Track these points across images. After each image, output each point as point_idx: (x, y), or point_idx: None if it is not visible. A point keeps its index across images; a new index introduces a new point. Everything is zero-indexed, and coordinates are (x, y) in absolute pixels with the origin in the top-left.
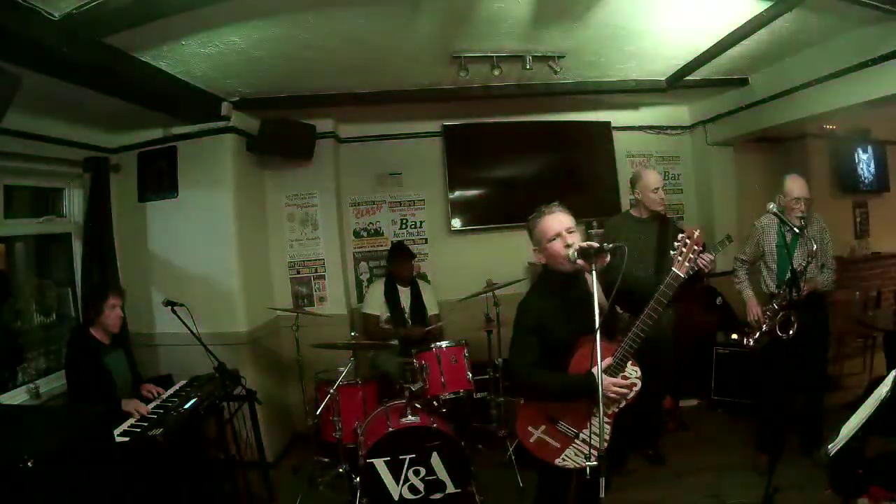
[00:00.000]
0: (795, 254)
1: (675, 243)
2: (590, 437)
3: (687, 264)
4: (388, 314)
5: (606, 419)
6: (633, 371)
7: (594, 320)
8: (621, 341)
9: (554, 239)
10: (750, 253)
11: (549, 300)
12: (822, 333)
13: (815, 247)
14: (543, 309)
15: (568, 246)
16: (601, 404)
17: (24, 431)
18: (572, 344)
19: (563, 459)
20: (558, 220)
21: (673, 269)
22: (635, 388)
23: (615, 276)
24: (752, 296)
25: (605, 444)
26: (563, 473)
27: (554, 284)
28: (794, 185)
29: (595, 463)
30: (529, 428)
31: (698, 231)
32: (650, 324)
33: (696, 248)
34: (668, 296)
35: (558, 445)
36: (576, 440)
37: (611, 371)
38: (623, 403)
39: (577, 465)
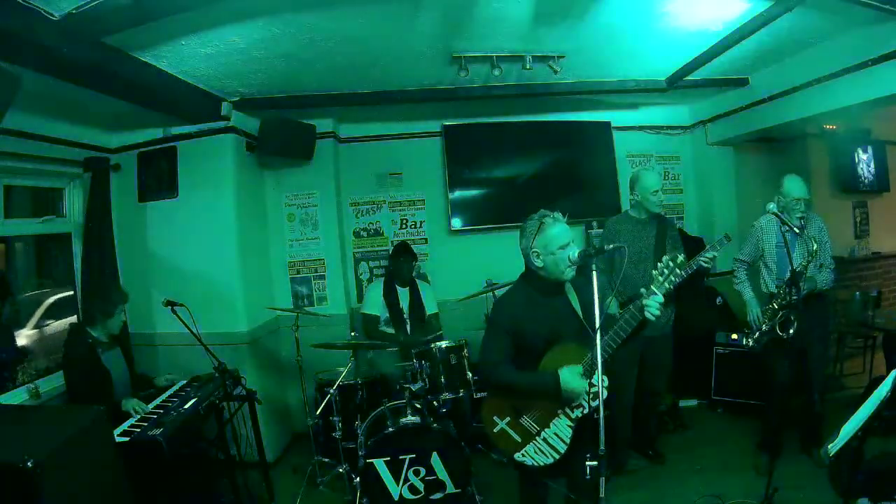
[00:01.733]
0: (795, 254)
1: (659, 264)
2: (560, 433)
3: (666, 285)
4: (387, 315)
5: (569, 423)
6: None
7: (572, 330)
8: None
9: (565, 247)
10: (749, 253)
11: (528, 303)
12: (823, 333)
13: (814, 246)
14: (521, 311)
15: (571, 263)
16: (601, 404)
17: (24, 431)
18: (544, 349)
19: (523, 455)
20: (567, 233)
21: (651, 287)
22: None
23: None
24: (752, 296)
25: (565, 449)
26: (540, 477)
27: (538, 289)
28: (794, 186)
29: (595, 462)
30: (494, 418)
31: (682, 256)
32: (623, 337)
33: (678, 271)
34: (633, 325)
35: (519, 440)
36: (537, 437)
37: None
38: (587, 409)
39: (536, 464)
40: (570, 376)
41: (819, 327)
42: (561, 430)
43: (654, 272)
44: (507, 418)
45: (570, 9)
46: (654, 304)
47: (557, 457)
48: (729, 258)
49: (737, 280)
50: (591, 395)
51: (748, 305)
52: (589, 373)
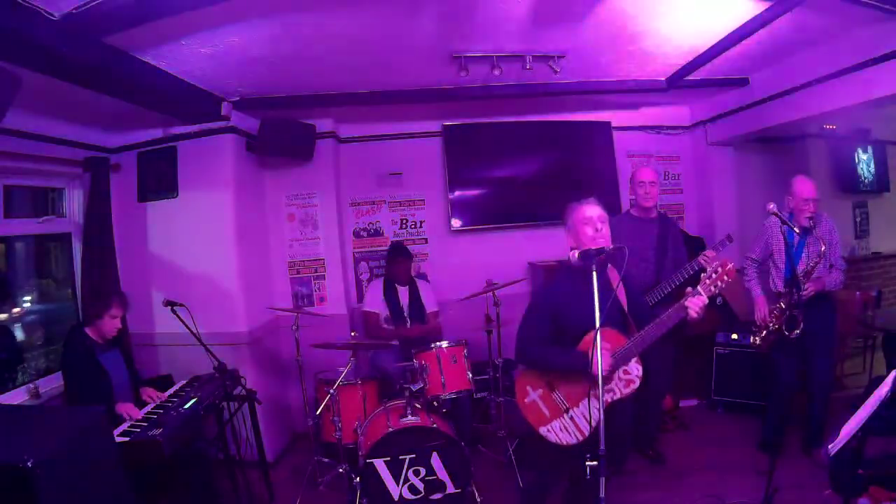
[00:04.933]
0: (802, 254)
1: (708, 268)
2: (587, 415)
3: (713, 289)
4: (387, 312)
5: (598, 406)
6: (635, 368)
7: (612, 317)
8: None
9: (585, 222)
10: (760, 252)
11: (570, 284)
12: (829, 334)
13: (823, 247)
14: (562, 291)
15: (597, 230)
16: (601, 404)
17: (24, 431)
18: (584, 330)
19: (549, 430)
20: (592, 209)
21: (699, 288)
22: (633, 386)
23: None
24: (760, 294)
25: (591, 429)
26: (562, 455)
27: (579, 272)
28: (804, 187)
29: (595, 463)
30: (528, 388)
31: (731, 264)
32: (663, 332)
33: (725, 277)
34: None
35: (548, 414)
36: (565, 414)
37: (613, 360)
38: (618, 395)
39: (559, 441)
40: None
41: (825, 328)
42: (589, 411)
43: (703, 274)
44: (540, 390)
45: (570, 9)
46: (696, 304)
47: (581, 438)
48: (730, 258)
49: (746, 278)
50: (623, 382)
51: (756, 304)
52: (619, 357)
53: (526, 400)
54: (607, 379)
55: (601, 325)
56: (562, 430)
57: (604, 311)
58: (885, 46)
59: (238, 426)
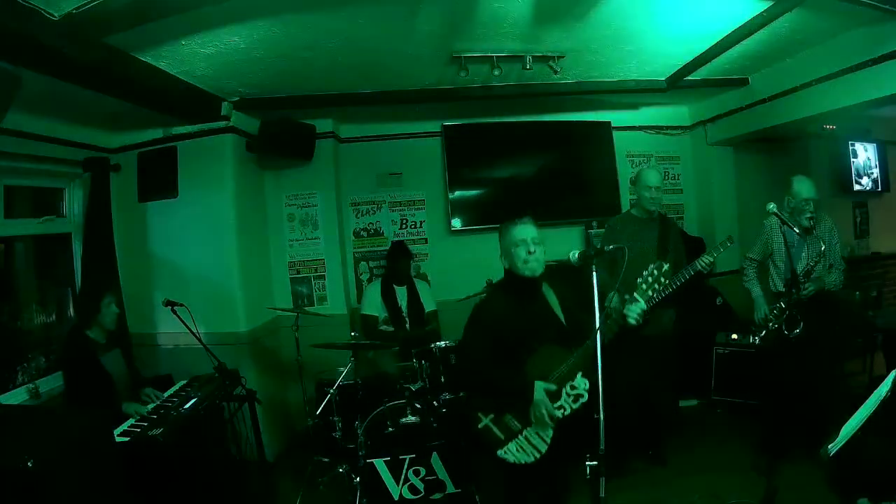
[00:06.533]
0: (802, 254)
1: (644, 272)
2: (541, 432)
3: (650, 293)
4: (386, 314)
5: (552, 423)
6: (581, 382)
7: (552, 333)
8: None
9: (518, 245)
10: (759, 252)
11: (506, 305)
12: (829, 334)
13: (822, 246)
14: (500, 313)
15: (530, 253)
16: (602, 408)
17: (24, 432)
18: (524, 354)
19: (505, 452)
20: (525, 230)
21: (635, 294)
22: (581, 400)
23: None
24: (760, 294)
25: (546, 448)
26: (523, 474)
27: (513, 291)
28: (803, 187)
29: (595, 462)
30: (479, 414)
31: (667, 266)
32: (604, 342)
33: (662, 280)
34: (615, 331)
35: (502, 437)
36: (519, 435)
37: (556, 380)
38: (569, 411)
39: (518, 461)
40: (541, 393)
41: (826, 328)
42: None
43: (637, 280)
44: (491, 415)
45: (570, 9)
46: (634, 311)
47: (538, 455)
48: (729, 258)
49: (746, 278)
50: (572, 398)
51: (756, 303)
52: (561, 377)
53: (479, 426)
54: (555, 396)
55: (543, 345)
56: (518, 451)
57: (540, 328)
58: (885, 46)
59: (238, 426)
